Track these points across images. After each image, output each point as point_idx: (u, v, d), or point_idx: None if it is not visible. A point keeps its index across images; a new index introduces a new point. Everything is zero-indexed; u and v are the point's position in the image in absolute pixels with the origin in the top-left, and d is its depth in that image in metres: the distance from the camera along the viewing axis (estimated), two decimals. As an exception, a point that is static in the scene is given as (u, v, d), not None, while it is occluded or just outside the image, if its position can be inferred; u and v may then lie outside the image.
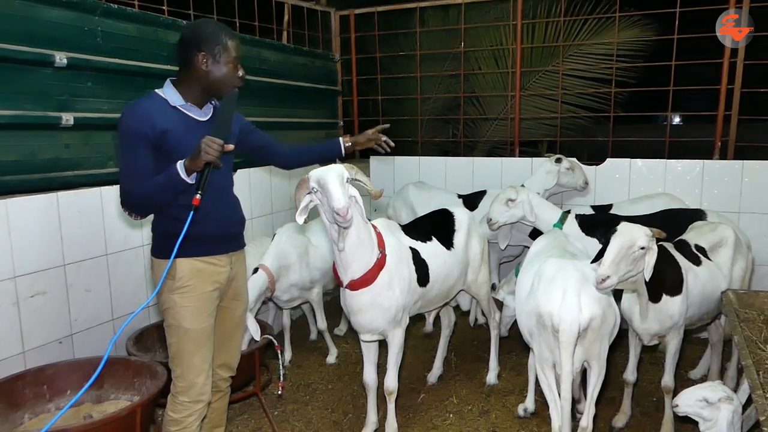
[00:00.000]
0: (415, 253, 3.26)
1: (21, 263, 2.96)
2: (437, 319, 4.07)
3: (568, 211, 4.25)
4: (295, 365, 4.34)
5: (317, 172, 2.61)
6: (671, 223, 3.79)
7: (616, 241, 2.64)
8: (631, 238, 2.65)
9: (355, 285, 2.92)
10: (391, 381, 3.20)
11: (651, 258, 2.71)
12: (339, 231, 2.74)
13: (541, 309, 2.73)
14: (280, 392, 3.51)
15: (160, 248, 2.39)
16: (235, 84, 2.39)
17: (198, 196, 2.16)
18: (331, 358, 4.38)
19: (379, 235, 2.99)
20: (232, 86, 2.39)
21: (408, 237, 3.32)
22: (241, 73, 2.40)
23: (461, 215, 3.71)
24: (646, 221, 3.21)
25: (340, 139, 2.85)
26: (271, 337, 3.42)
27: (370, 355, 3.27)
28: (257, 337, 3.33)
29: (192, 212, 2.18)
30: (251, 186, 4.67)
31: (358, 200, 2.74)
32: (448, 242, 3.53)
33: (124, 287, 3.53)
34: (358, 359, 4.34)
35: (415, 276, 3.19)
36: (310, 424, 3.53)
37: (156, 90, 2.37)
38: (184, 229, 2.17)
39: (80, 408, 2.91)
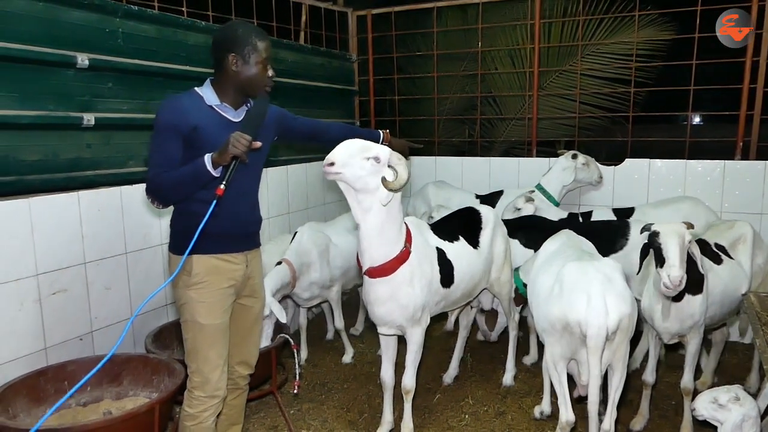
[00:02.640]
0: (441, 254, 3.25)
1: (43, 261, 3.02)
2: (456, 320, 4.06)
3: None
4: (311, 364, 4.35)
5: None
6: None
7: (673, 241, 2.68)
8: (680, 234, 2.71)
9: (374, 273, 2.92)
10: (409, 380, 3.20)
11: (695, 249, 2.84)
12: (359, 203, 2.75)
13: (569, 318, 2.72)
14: (296, 391, 3.51)
15: (178, 244, 2.42)
16: (266, 84, 2.44)
17: (222, 187, 2.19)
18: (347, 358, 4.39)
19: (408, 232, 3.00)
20: (262, 86, 2.43)
21: (436, 236, 3.32)
22: (271, 73, 2.45)
23: (487, 212, 3.71)
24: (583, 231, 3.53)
25: (381, 132, 3.16)
26: (287, 336, 3.44)
27: (388, 351, 3.27)
28: (283, 320, 3.43)
29: (214, 201, 2.20)
30: (269, 186, 4.70)
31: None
32: (474, 241, 3.53)
33: (143, 285, 3.57)
34: (373, 359, 4.34)
35: (438, 276, 3.19)
36: (326, 423, 3.55)
37: (195, 88, 2.43)
38: (204, 219, 2.20)
39: (100, 404, 2.96)
